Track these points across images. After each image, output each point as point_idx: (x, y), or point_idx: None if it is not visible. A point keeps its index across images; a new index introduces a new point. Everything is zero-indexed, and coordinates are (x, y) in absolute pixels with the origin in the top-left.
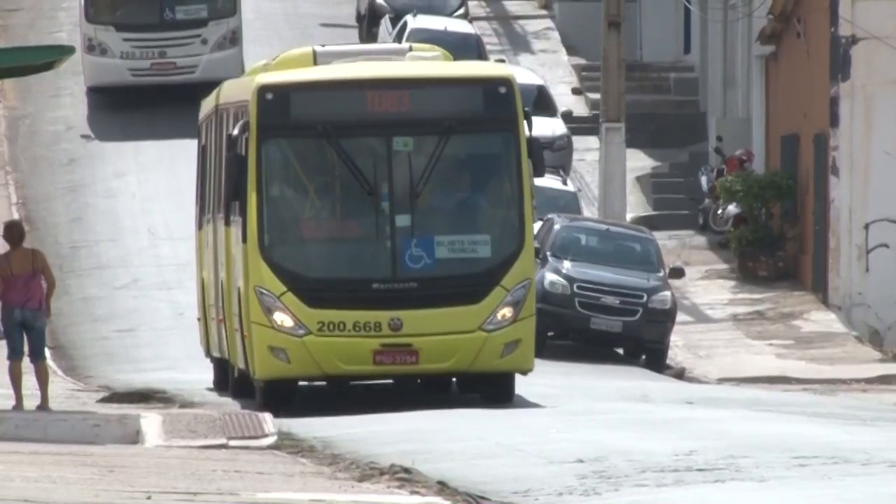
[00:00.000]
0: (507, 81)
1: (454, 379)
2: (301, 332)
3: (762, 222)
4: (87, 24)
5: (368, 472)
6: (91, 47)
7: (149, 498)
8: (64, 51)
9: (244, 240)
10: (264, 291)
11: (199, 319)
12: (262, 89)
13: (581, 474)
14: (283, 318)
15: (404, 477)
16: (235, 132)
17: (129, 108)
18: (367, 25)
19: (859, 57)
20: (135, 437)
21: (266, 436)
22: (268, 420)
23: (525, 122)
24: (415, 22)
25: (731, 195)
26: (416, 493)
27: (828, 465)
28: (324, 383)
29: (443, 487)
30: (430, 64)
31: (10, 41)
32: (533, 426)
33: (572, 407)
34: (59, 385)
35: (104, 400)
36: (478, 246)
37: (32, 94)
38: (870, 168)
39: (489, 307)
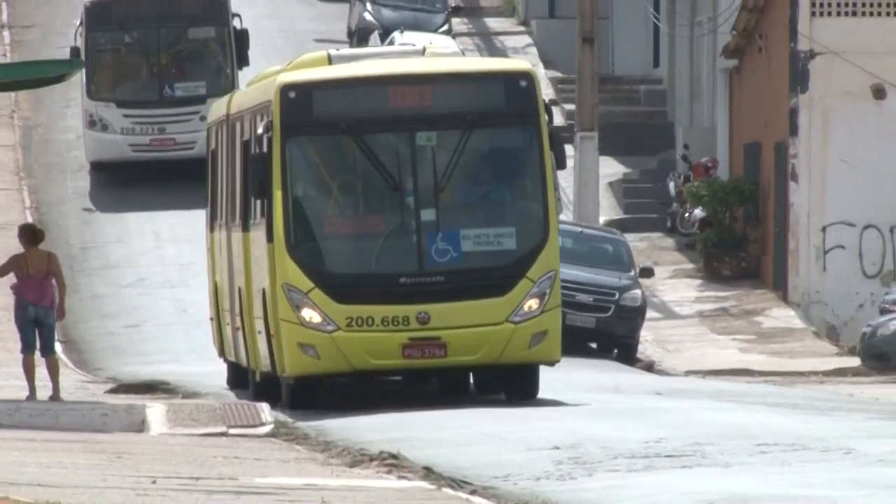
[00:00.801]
0: (527, 75)
1: (472, 380)
2: (330, 327)
3: (726, 225)
4: (88, 100)
5: (359, 458)
6: (92, 123)
7: (154, 482)
8: (74, 65)
9: (270, 238)
10: (292, 288)
11: (211, 319)
12: (285, 88)
13: (557, 460)
14: (311, 315)
15: (392, 463)
16: (259, 131)
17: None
18: (358, 41)
19: (817, 70)
20: (140, 426)
21: (263, 424)
22: (265, 409)
23: (546, 114)
24: (402, 38)
25: (697, 200)
26: (404, 477)
27: (788, 451)
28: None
29: (428, 472)
30: (451, 60)
31: (24, 56)
32: (514, 415)
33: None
34: (70, 377)
35: (112, 391)
36: (503, 238)
37: (45, 105)
38: (827, 174)
39: (516, 299)
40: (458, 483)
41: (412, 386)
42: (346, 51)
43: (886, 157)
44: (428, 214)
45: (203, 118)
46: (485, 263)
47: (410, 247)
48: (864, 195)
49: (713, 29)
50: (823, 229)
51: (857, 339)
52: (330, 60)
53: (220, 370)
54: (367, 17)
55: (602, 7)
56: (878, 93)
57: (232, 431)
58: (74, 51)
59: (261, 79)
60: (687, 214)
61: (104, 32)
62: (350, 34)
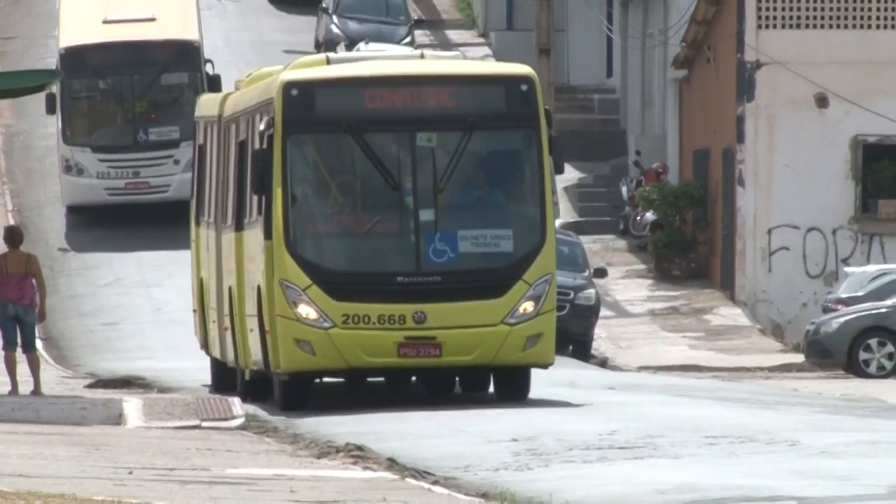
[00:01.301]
0: (528, 79)
1: (457, 378)
2: (326, 324)
3: (676, 228)
4: (64, 145)
5: (326, 450)
6: (68, 168)
7: (130, 473)
8: (54, 74)
9: (268, 235)
10: (290, 285)
11: (194, 311)
12: (288, 86)
13: (515, 452)
14: (308, 311)
15: (358, 454)
16: (262, 128)
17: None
18: (325, 51)
19: (763, 80)
20: (118, 419)
21: (235, 418)
22: (236, 403)
23: (546, 119)
24: (366, 49)
25: (649, 203)
26: (369, 468)
27: (735, 443)
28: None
29: (392, 463)
30: (452, 62)
31: (7, 66)
32: (474, 409)
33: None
34: (51, 373)
35: (90, 386)
36: (500, 240)
37: (27, 113)
38: (772, 179)
39: (511, 301)
40: (420, 473)
41: (396, 385)
42: (344, 54)
43: (828, 163)
44: (426, 214)
45: (177, 162)
46: (482, 265)
47: (408, 246)
48: (807, 199)
49: (664, 41)
50: (769, 232)
51: (801, 336)
52: (328, 62)
53: (194, 366)
54: (334, 28)
55: (558, 20)
56: (821, 101)
57: (205, 424)
58: (50, 97)
59: (254, 80)
60: (639, 217)
61: (79, 79)
62: (317, 45)
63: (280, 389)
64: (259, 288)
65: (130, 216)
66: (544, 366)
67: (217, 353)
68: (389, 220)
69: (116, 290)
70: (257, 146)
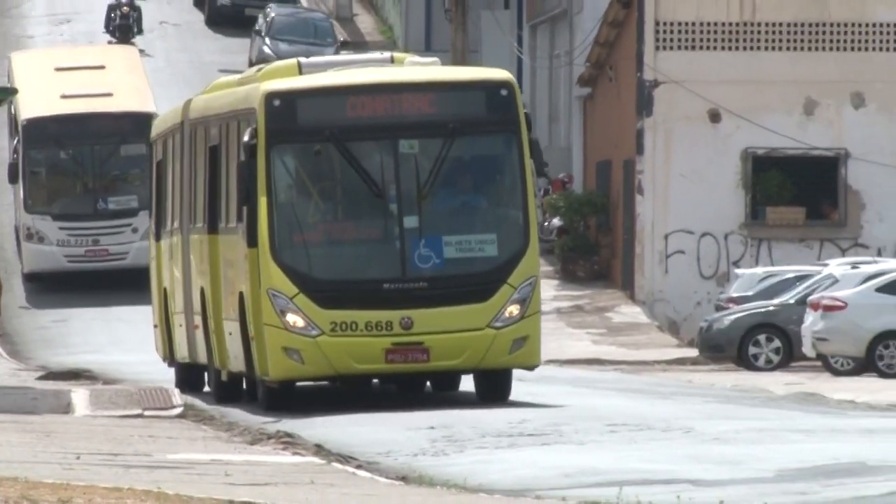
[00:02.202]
0: (508, 84)
1: (428, 382)
2: (314, 332)
3: (581, 233)
4: (25, 213)
5: (258, 436)
6: (29, 236)
7: (78, 458)
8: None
9: (253, 244)
10: (277, 293)
11: (155, 326)
12: (270, 96)
13: (433, 438)
14: (295, 320)
15: (288, 441)
16: (246, 138)
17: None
18: (257, 72)
19: (660, 97)
20: (66, 408)
21: (174, 407)
22: (176, 393)
23: (526, 123)
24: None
25: (556, 210)
26: (298, 453)
27: (634, 431)
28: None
29: (319, 449)
30: (432, 69)
31: None
32: (396, 399)
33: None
34: (4, 366)
35: (41, 378)
36: (485, 245)
37: None
38: (669, 188)
39: (497, 305)
40: (345, 458)
41: (366, 386)
42: (316, 59)
43: (720, 173)
44: (411, 221)
45: (135, 230)
46: (467, 269)
47: (394, 253)
48: (701, 206)
49: (570, 61)
50: (666, 236)
51: (695, 332)
52: (300, 69)
53: (138, 360)
54: (266, 49)
55: (472, 42)
56: (714, 117)
57: (146, 413)
58: (12, 167)
59: (217, 87)
60: (546, 223)
61: (41, 149)
62: (251, 65)
63: (265, 393)
64: (242, 294)
65: (88, 282)
66: (530, 368)
67: (184, 355)
68: (374, 228)
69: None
70: (241, 157)
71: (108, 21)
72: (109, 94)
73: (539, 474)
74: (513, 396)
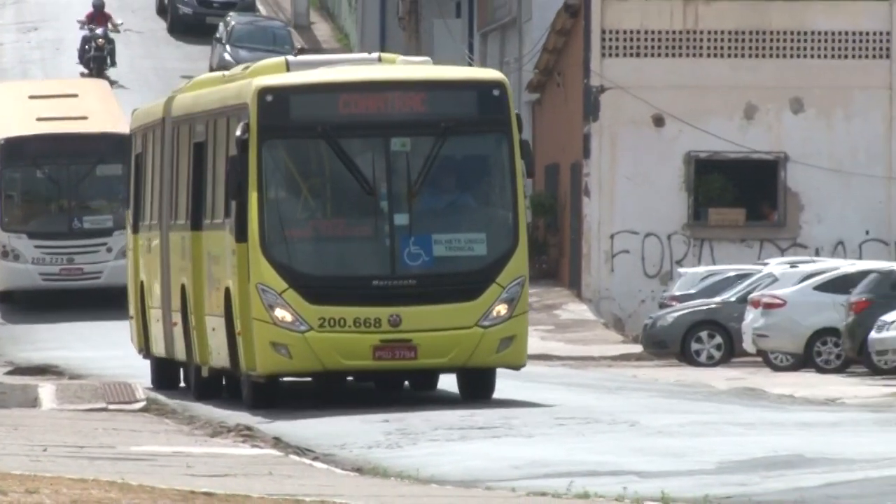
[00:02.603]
0: (500, 84)
1: (406, 382)
2: (302, 327)
3: (530, 233)
4: (1, 231)
5: (219, 429)
6: (5, 253)
7: (45, 450)
8: None
9: (242, 239)
10: (266, 288)
11: (131, 317)
12: (263, 91)
13: (387, 431)
14: (284, 315)
15: (247, 434)
16: (238, 133)
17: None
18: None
19: (606, 102)
20: (34, 403)
21: (137, 401)
22: (138, 388)
23: (517, 123)
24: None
25: None
26: (256, 446)
27: (582, 424)
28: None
29: (277, 442)
30: (425, 68)
31: None
32: (353, 393)
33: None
34: None
35: (9, 373)
36: (474, 244)
37: None
38: (614, 190)
39: (485, 304)
40: (302, 450)
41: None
42: (304, 57)
43: (664, 176)
44: (401, 219)
45: (109, 250)
46: (456, 268)
47: (383, 250)
48: (645, 208)
49: (519, 67)
50: (611, 237)
51: (640, 329)
52: (288, 66)
53: (103, 356)
54: (227, 56)
55: (425, 49)
56: (658, 121)
57: (111, 407)
58: None
59: (198, 85)
60: None
61: (17, 168)
62: (211, 71)
63: (249, 389)
64: (228, 290)
65: (63, 302)
66: (517, 367)
67: (161, 351)
68: (364, 225)
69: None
70: (233, 151)
71: (83, 53)
72: (84, 118)
73: (489, 465)
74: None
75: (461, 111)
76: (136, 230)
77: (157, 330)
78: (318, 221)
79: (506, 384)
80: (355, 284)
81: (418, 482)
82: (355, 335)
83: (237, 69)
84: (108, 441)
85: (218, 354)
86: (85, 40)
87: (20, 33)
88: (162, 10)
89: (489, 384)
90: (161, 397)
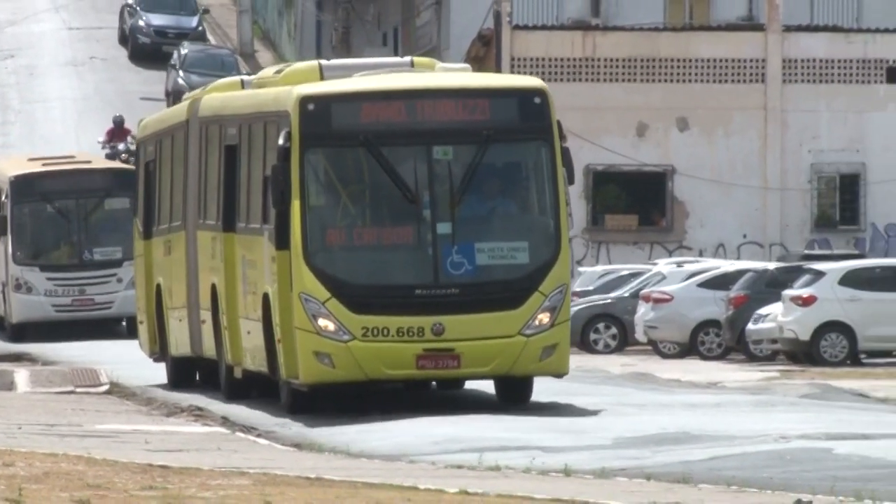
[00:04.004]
0: (541, 92)
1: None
2: (346, 337)
3: None
4: (14, 265)
5: (174, 410)
6: (18, 286)
7: (20, 428)
8: None
9: (284, 246)
10: (309, 297)
11: (140, 322)
12: (305, 100)
13: (324, 411)
14: (327, 324)
15: (198, 413)
16: (280, 141)
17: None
18: (173, 100)
19: None
20: (10, 386)
21: (101, 385)
22: (102, 373)
23: (558, 131)
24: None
25: None
26: (207, 424)
27: (494, 405)
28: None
29: (225, 421)
30: (466, 75)
31: None
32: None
33: None
34: None
35: None
36: (517, 252)
37: None
38: None
39: (528, 312)
40: (247, 428)
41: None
42: (336, 61)
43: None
44: (444, 227)
45: (119, 280)
46: (498, 276)
47: (426, 259)
48: None
49: None
50: None
51: None
52: (321, 70)
53: (70, 346)
54: (180, 81)
55: None
56: (561, 138)
57: (78, 390)
58: (1, 220)
59: (223, 88)
60: None
61: (28, 203)
62: (167, 94)
63: (289, 395)
64: (266, 295)
65: (75, 332)
66: (559, 375)
67: (183, 350)
68: (407, 233)
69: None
70: (274, 159)
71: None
72: (89, 161)
73: (413, 442)
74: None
75: (503, 119)
76: (147, 236)
77: (178, 330)
78: (360, 230)
79: None
80: (398, 293)
81: (350, 456)
82: (398, 344)
83: (268, 73)
84: (75, 420)
85: (254, 358)
86: (109, 158)
87: None
88: (123, 40)
89: (527, 390)
90: (123, 381)
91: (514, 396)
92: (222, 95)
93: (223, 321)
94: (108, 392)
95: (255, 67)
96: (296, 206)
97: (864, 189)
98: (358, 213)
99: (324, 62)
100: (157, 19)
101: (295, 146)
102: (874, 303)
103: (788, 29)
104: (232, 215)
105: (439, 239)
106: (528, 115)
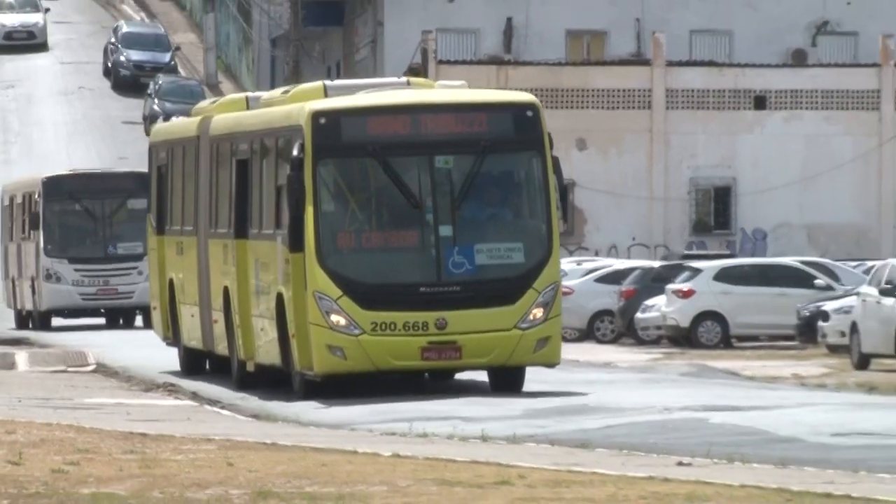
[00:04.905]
0: (533, 106)
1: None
2: (356, 331)
3: None
4: (45, 257)
5: (150, 386)
6: (48, 276)
7: (20, 401)
8: None
9: (298, 249)
10: (322, 295)
11: (154, 308)
12: (316, 115)
13: (278, 388)
14: (339, 319)
15: (172, 389)
16: (295, 152)
17: None
18: (149, 123)
19: None
20: (12, 365)
21: (89, 365)
22: (90, 354)
23: (548, 141)
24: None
25: None
26: (179, 398)
27: (422, 386)
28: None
29: (195, 395)
30: (463, 91)
31: None
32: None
33: None
34: None
35: None
36: (512, 253)
37: None
38: None
39: (523, 308)
40: (213, 401)
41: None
42: (339, 82)
43: None
44: (445, 230)
45: (140, 272)
46: (496, 275)
47: (430, 259)
48: None
49: None
50: None
51: None
52: (325, 90)
53: (63, 332)
54: (155, 107)
55: None
56: None
57: (69, 369)
58: (34, 216)
59: (228, 107)
60: None
61: (58, 202)
62: (144, 118)
63: (301, 384)
64: (280, 295)
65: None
66: (552, 365)
67: (195, 342)
68: (412, 236)
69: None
70: (283, 169)
71: None
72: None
73: (354, 413)
74: None
75: (498, 131)
76: (160, 232)
77: (191, 324)
78: (368, 233)
79: None
80: (404, 291)
81: (300, 425)
82: (405, 338)
83: (276, 93)
84: (67, 395)
85: (267, 353)
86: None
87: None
88: (107, 73)
89: (520, 380)
90: (108, 362)
91: (507, 386)
92: (234, 115)
93: (236, 320)
94: (94, 371)
95: (219, 95)
96: (309, 211)
97: (734, 199)
98: (366, 218)
99: (328, 82)
100: (136, 55)
101: (308, 157)
102: (743, 295)
103: (671, 64)
104: (244, 224)
105: (441, 241)
106: (522, 127)
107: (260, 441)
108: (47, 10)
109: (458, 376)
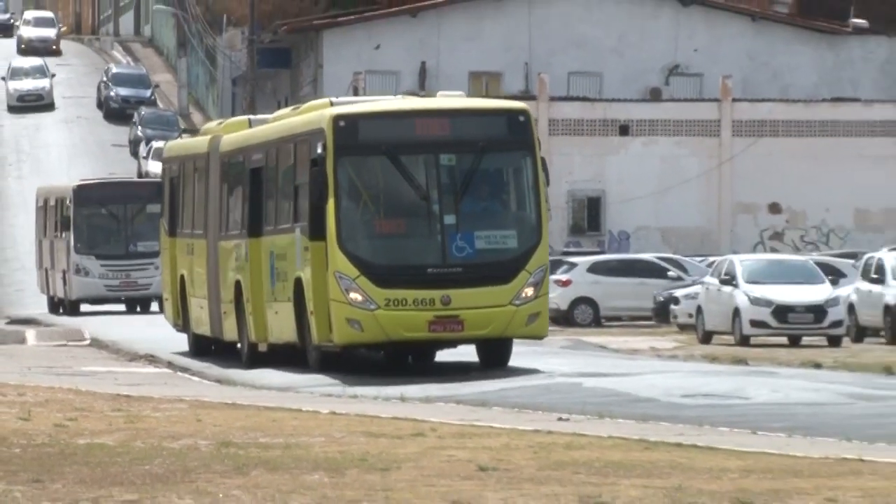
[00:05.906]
0: (525, 112)
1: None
2: (372, 306)
3: None
4: (75, 254)
5: (134, 357)
6: (78, 270)
7: (29, 370)
8: None
9: (319, 236)
10: (342, 275)
11: (165, 299)
12: (337, 118)
13: (242, 359)
14: (357, 296)
15: (151, 359)
16: (319, 151)
17: None
18: (134, 147)
19: None
20: (23, 340)
21: (85, 339)
22: (86, 330)
23: (538, 143)
24: (158, 144)
25: None
26: (157, 366)
27: (355, 362)
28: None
29: (171, 364)
30: (462, 99)
31: None
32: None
33: None
34: None
35: (8, 323)
36: (507, 239)
37: None
38: None
39: (517, 286)
40: (185, 369)
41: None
42: (344, 99)
43: None
44: (449, 219)
45: (157, 267)
46: (493, 258)
47: (436, 244)
48: None
49: None
50: None
51: None
52: (331, 104)
53: (62, 314)
54: (139, 133)
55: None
56: None
57: (69, 343)
58: (65, 219)
59: (235, 126)
60: None
61: (87, 207)
62: (129, 142)
63: (317, 357)
64: (299, 279)
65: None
66: (540, 337)
67: (203, 330)
68: (420, 224)
69: (14, 265)
70: (305, 168)
71: None
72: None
73: (299, 379)
74: None
75: (495, 133)
76: (172, 234)
77: (201, 314)
78: (382, 221)
79: None
80: (414, 272)
81: (255, 388)
82: (414, 312)
83: (285, 111)
84: (67, 364)
85: (281, 332)
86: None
87: (13, 118)
88: (100, 105)
89: (507, 354)
90: (101, 337)
91: (495, 360)
92: (245, 132)
93: (248, 308)
94: (89, 345)
95: (190, 124)
96: (331, 203)
97: (604, 207)
98: (380, 208)
99: (334, 99)
100: (124, 91)
101: (329, 155)
102: (611, 285)
103: (553, 98)
104: (258, 224)
105: (446, 228)
106: (515, 130)
107: (223, 401)
108: (53, 75)
109: (437, 358)
